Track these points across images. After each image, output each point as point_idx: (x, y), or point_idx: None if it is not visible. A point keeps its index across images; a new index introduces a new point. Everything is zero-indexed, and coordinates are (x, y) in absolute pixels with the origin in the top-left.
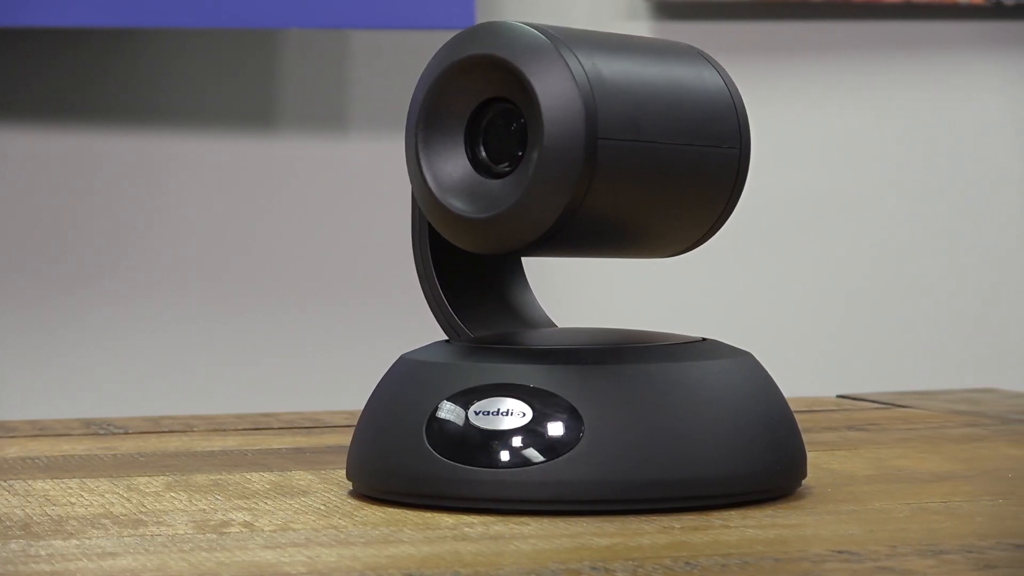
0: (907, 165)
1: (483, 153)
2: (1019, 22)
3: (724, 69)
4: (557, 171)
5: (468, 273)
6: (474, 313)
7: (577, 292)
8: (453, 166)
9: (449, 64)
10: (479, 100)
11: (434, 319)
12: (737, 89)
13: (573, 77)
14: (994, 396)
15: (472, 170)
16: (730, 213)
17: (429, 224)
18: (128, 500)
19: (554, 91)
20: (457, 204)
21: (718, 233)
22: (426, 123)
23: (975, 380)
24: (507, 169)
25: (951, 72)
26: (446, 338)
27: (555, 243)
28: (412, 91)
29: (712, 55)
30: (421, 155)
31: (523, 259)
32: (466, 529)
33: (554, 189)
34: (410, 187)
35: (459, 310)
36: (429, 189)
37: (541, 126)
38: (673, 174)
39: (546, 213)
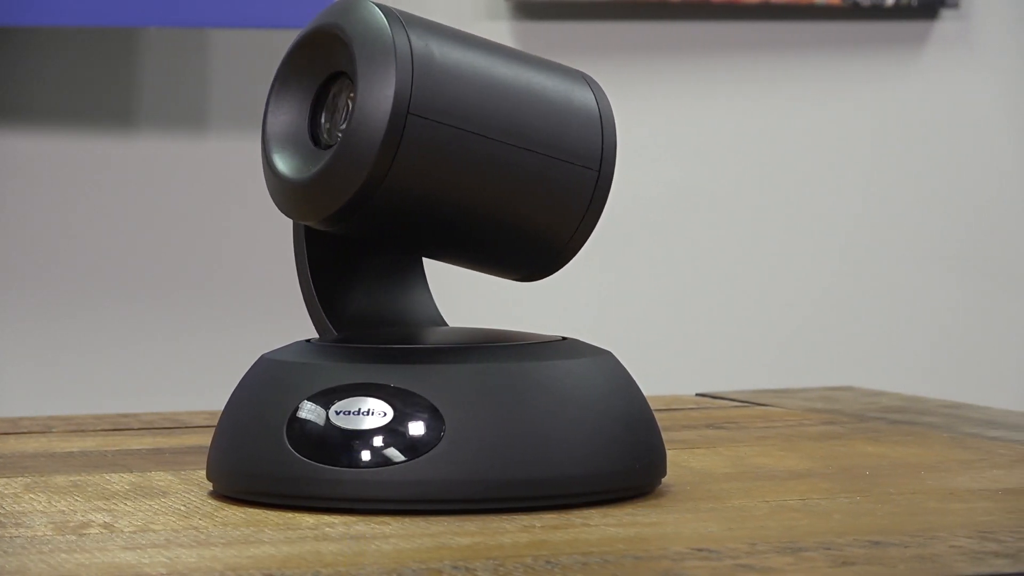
0: (766, 165)
1: (322, 123)
2: (875, 23)
3: (604, 96)
4: (362, 140)
5: (348, 271)
6: (350, 312)
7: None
8: (291, 130)
9: (303, 35)
10: (327, 72)
11: (298, 318)
12: (611, 116)
13: (395, 51)
14: (851, 394)
15: (307, 137)
16: (583, 238)
17: None
18: None
19: (373, 63)
20: (280, 166)
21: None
22: (279, 87)
23: (832, 378)
24: (336, 142)
25: (809, 72)
26: (307, 337)
27: (362, 218)
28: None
29: (572, 55)
30: (268, 115)
31: (424, 259)
32: (327, 529)
33: (357, 159)
34: None
35: (333, 309)
36: (264, 148)
37: (356, 96)
38: (508, 175)
39: (347, 183)
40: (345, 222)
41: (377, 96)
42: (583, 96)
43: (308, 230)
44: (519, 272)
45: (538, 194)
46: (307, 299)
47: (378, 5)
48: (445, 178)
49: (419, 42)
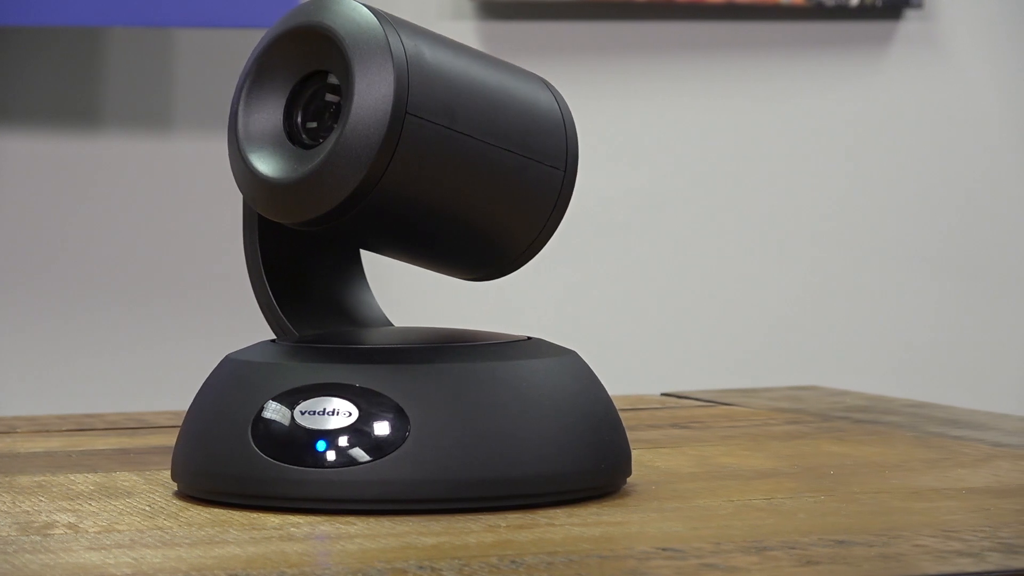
0: (730, 165)
1: (299, 122)
2: (840, 23)
3: (563, 99)
4: (360, 139)
5: (301, 272)
6: (305, 312)
7: (402, 292)
8: (267, 130)
9: (280, 32)
10: (305, 71)
11: (262, 319)
12: (572, 117)
13: (391, 51)
14: (815, 394)
15: (284, 137)
16: (547, 237)
17: (260, 221)
18: None
19: (369, 62)
20: (260, 167)
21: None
22: (251, 86)
23: (797, 378)
24: (318, 142)
25: (773, 72)
26: (273, 338)
27: (350, 219)
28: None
29: (536, 54)
30: (240, 115)
31: (362, 260)
32: (292, 529)
33: (355, 158)
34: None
35: (289, 309)
36: (238, 149)
37: (352, 95)
38: (488, 174)
39: (343, 183)
40: (333, 222)
41: (375, 95)
42: (546, 98)
43: (262, 232)
44: (479, 272)
45: (513, 194)
46: (262, 301)
47: (363, 4)
48: (435, 178)
49: (409, 42)
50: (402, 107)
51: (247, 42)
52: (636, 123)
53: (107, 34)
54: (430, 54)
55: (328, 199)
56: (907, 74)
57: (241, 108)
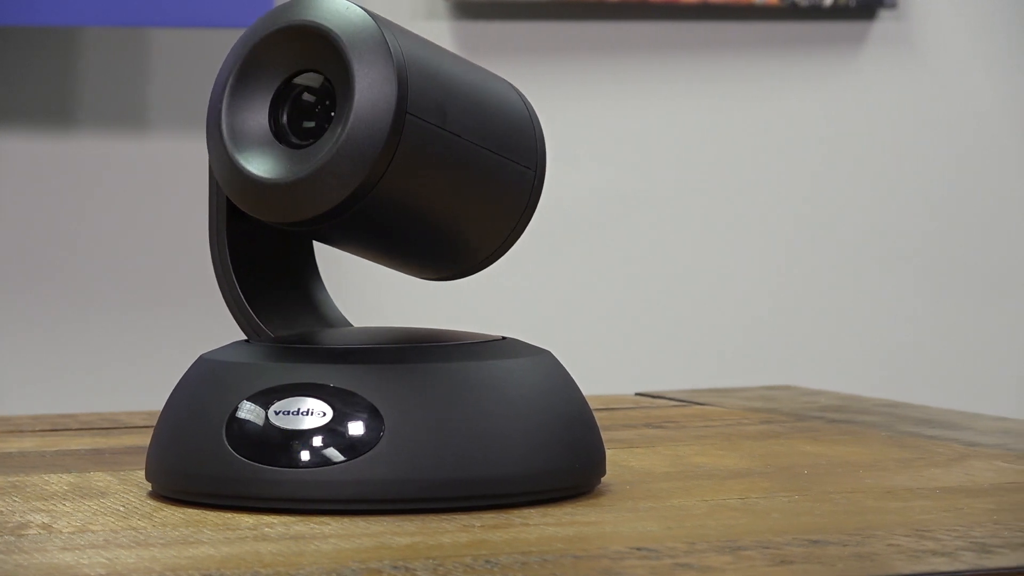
0: (705, 165)
1: (285, 121)
2: (814, 23)
3: (529, 100)
4: (362, 140)
5: (268, 272)
6: (275, 313)
7: (376, 291)
8: (253, 129)
9: (268, 30)
10: (293, 70)
11: (234, 319)
12: (538, 118)
13: (389, 50)
14: (789, 393)
15: (271, 135)
16: (517, 236)
17: (227, 223)
18: None
19: (370, 61)
20: (250, 167)
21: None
22: (235, 84)
23: (771, 378)
24: (309, 141)
25: (748, 72)
26: (246, 338)
27: (345, 220)
28: (211, 90)
29: (511, 54)
30: (224, 114)
31: (318, 260)
32: (266, 529)
33: (356, 158)
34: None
35: (259, 310)
36: (225, 149)
37: (352, 95)
38: (472, 173)
39: (343, 183)
40: (330, 222)
41: (376, 95)
42: (515, 99)
43: (230, 234)
44: (446, 272)
45: (493, 194)
46: (232, 301)
47: (355, 3)
48: (427, 177)
49: (403, 40)
50: (403, 107)
51: (223, 42)
52: (610, 122)
53: (82, 34)
54: (422, 54)
55: (328, 199)
56: (881, 74)
57: (225, 107)
